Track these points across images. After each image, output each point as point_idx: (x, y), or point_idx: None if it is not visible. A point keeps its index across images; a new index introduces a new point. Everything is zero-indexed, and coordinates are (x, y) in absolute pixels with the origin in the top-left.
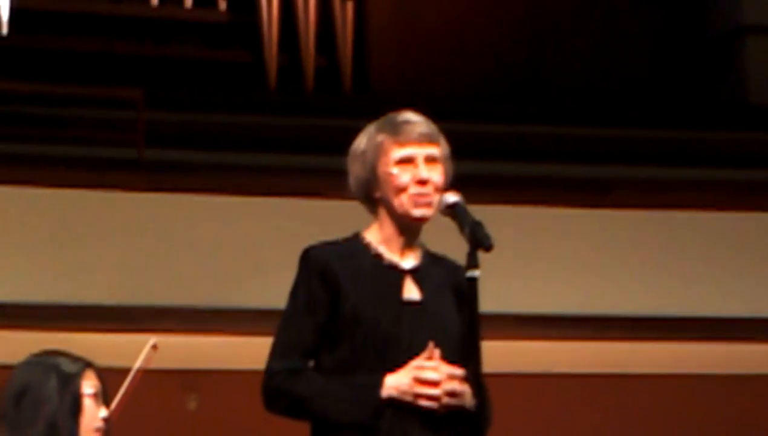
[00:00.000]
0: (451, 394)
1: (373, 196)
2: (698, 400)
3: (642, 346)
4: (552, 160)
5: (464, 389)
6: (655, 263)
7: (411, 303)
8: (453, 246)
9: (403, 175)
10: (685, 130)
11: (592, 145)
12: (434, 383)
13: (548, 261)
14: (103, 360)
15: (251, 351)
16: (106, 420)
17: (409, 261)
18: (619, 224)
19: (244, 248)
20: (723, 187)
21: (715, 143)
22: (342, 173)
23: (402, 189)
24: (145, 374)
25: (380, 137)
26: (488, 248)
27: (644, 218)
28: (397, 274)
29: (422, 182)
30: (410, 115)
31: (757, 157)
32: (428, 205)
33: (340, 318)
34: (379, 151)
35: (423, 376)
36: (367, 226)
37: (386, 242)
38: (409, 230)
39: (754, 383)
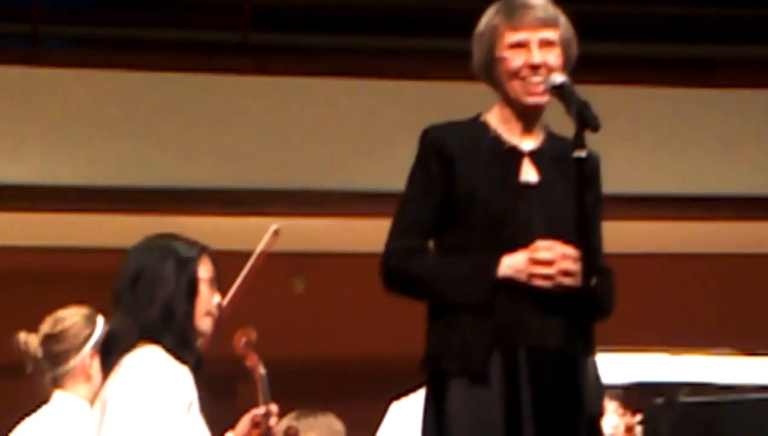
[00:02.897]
0: (566, 273)
1: (492, 77)
2: None
3: (749, 225)
4: (658, 40)
5: (579, 269)
6: (761, 143)
7: (528, 185)
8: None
9: (516, 59)
10: None
11: (697, 23)
12: (549, 263)
13: (653, 141)
14: (212, 243)
15: (358, 234)
16: (219, 306)
17: (529, 143)
18: (725, 104)
19: (350, 131)
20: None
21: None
22: (451, 55)
23: (515, 73)
24: (262, 257)
25: (496, 20)
26: (595, 127)
27: (751, 97)
28: (514, 155)
29: (534, 67)
30: None
31: None
32: (541, 93)
33: (456, 200)
34: (494, 34)
35: (537, 256)
36: (488, 109)
37: (506, 123)
38: (526, 112)
39: None
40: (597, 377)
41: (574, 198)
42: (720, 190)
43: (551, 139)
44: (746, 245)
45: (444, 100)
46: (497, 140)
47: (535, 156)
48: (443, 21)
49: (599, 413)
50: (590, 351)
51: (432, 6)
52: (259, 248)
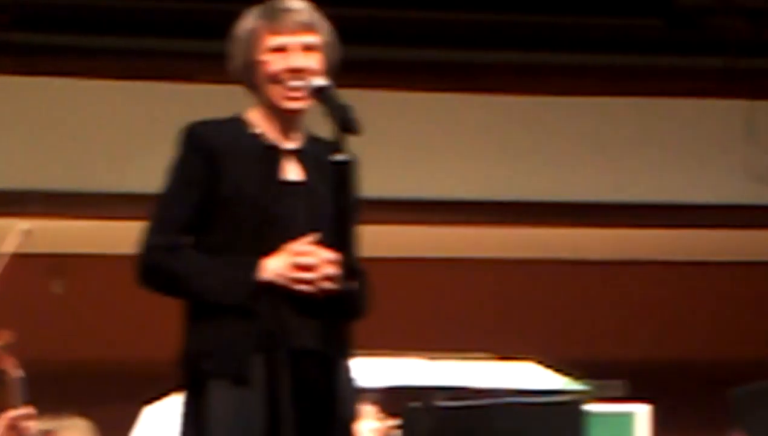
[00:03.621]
0: (329, 279)
1: (251, 79)
2: (546, 283)
3: (513, 231)
4: (425, 45)
5: (339, 272)
6: (523, 147)
7: (291, 184)
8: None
9: (276, 63)
10: (557, 15)
11: (461, 29)
12: (311, 268)
13: (418, 145)
14: None
15: (117, 235)
16: None
17: (291, 142)
18: (488, 109)
19: (107, 132)
20: (596, 72)
21: (586, 28)
22: (210, 57)
23: (274, 77)
24: (12, 258)
25: (256, 23)
26: (356, 131)
27: (513, 103)
28: (277, 154)
29: (295, 71)
30: (290, 2)
31: (631, 43)
32: (301, 97)
33: (219, 196)
34: (254, 37)
35: (299, 261)
36: (245, 110)
37: (268, 123)
38: (286, 116)
39: (623, 268)
40: (352, 380)
41: (333, 200)
42: (487, 196)
43: (312, 140)
44: (509, 250)
45: (203, 103)
46: (258, 139)
47: (296, 155)
48: (203, 23)
49: (354, 416)
50: (347, 354)
51: (191, 8)
52: (7, 248)
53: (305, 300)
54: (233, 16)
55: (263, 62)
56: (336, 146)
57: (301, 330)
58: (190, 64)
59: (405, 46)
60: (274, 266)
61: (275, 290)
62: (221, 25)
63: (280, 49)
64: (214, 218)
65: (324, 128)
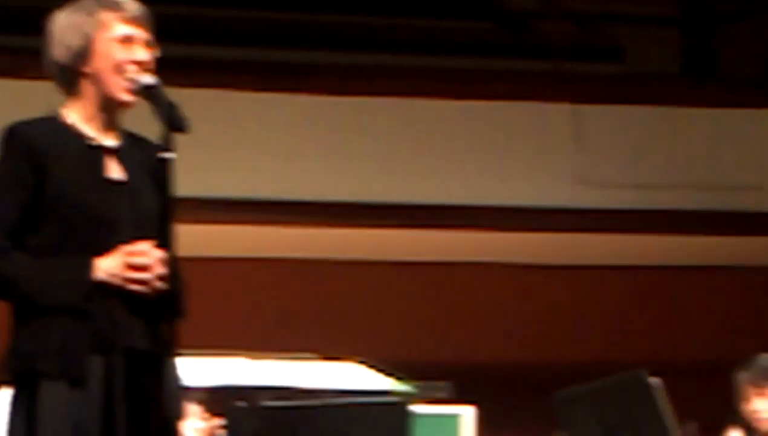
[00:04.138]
0: (161, 278)
1: (79, 70)
2: (371, 284)
3: (335, 231)
4: (246, 45)
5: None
6: (347, 148)
7: (115, 183)
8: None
9: (121, 54)
10: (388, 16)
11: (285, 29)
12: (145, 268)
13: (248, 146)
14: None
15: None
16: None
17: (110, 140)
18: (312, 110)
19: None
20: (426, 73)
21: (416, 29)
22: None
23: (118, 67)
24: None
25: (100, 11)
26: (184, 130)
27: (337, 103)
28: (100, 153)
29: (139, 64)
30: None
31: (462, 45)
32: (134, 92)
33: (45, 197)
34: (97, 25)
35: (134, 261)
36: (59, 106)
37: (88, 120)
38: (112, 109)
39: (448, 269)
40: (177, 379)
41: (157, 199)
42: (308, 196)
43: (131, 138)
44: (331, 251)
45: (21, 99)
46: (80, 137)
47: (118, 154)
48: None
49: (179, 415)
50: (172, 353)
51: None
52: None
53: (135, 300)
54: (44, 12)
55: (105, 52)
56: (157, 144)
57: (133, 330)
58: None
59: (226, 45)
60: (107, 266)
61: (108, 291)
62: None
63: (127, 40)
64: (41, 219)
65: (133, 126)
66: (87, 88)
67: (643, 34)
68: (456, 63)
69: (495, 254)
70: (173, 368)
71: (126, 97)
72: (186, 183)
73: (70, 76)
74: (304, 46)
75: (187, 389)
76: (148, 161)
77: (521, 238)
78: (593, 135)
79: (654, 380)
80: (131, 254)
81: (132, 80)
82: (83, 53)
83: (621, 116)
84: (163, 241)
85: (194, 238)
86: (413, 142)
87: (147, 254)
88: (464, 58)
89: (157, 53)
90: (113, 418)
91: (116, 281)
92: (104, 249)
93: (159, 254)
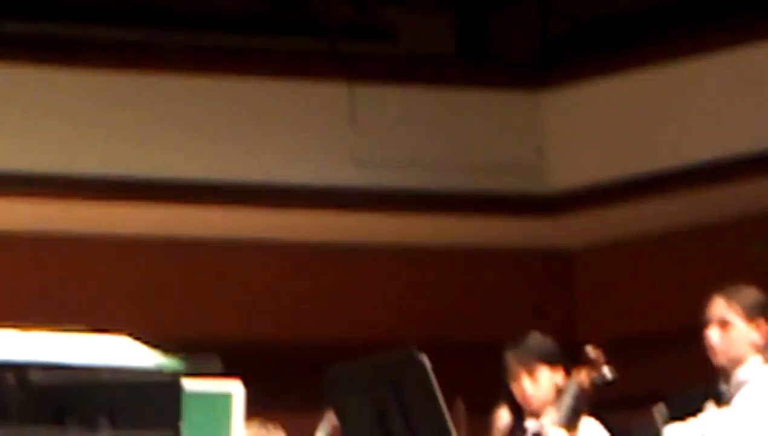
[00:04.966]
0: None
1: None
2: (143, 260)
3: (104, 207)
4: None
5: None
6: (117, 125)
7: None
8: None
9: None
10: None
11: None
12: None
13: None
14: None
15: None
16: None
17: None
18: (82, 86)
19: None
20: (200, 51)
21: (188, 5)
22: None
23: None
24: None
25: None
26: None
27: (107, 80)
28: None
29: None
30: None
31: (236, 22)
32: None
33: None
34: None
35: None
36: None
37: None
38: None
39: (215, 248)
40: None
41: None
42: (80, 171)
43: None
44: (93, 227)
45: None
46: None
47: None
48: None
49: None
50: None
51: None
52: None
53: None
54: None
55: None
56: None
57: None
58: None
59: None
60: None
61: None
62: None
63: None
64: None
65: None
66: None
67: (418, 14)
68: (229, 41)
69: (266, 232)
70: None
71: None
72: None
73: None
74: (77, 21)
75: None
76: None
77: (296, 216)
78: (369, 115)
79: (423, 358)
80: None
81: None
82: None
83: (396, 97)
84: None
85: None
86: (191, 121)
87: None
88: (238, 35)
89: None
90: None
91: None
92: None
93: None
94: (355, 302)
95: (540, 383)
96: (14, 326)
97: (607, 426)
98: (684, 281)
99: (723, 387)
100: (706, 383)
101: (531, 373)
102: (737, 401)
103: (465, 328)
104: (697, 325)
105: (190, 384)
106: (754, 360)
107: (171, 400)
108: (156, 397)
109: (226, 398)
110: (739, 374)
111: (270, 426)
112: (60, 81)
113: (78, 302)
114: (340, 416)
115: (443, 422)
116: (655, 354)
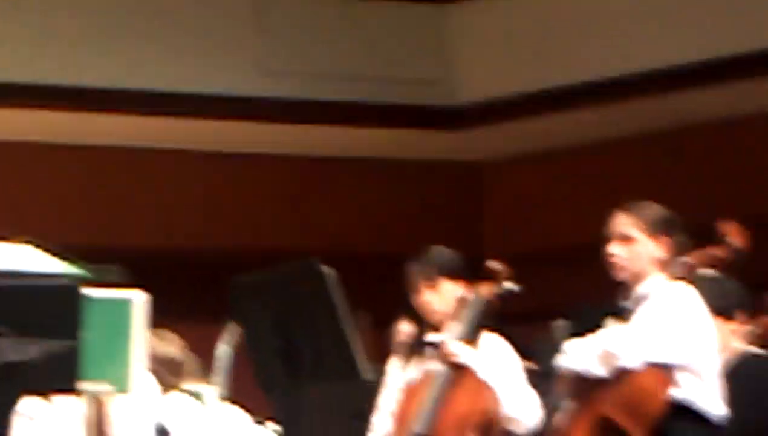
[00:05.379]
0: None
1: None
2: (47, 166)
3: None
4: None
5: None
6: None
7: None
8: None
9: None
10: None
11: None
12: None
13: None
14: None
15: None
16: None
17: None
18: None
19: None
20: None
21: None
22: None
23: None
24: None
25: None
26: None
27: None
28: None
29: None
30: None
31: None
32: None
33: None
34: None
35: None
36: None
37: None
38: None
39: (125, 154)
40: None
41: None
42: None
43: None
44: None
45: None
46: None
47: None
48: None
49: None
50: None
51: None
52: None
53: None
54: None
55: None
56: None
57: None
58: None
59: None
60: None
61: None
62: None
63: None
64: None
65: None
66: None
67: None
68: None
69: (173, 141)
70: None
71: None
72: None
73: None
74: None
75: None
76: None
77: (203, 125)
78: (275, 25)
79: (327, 269)
80: None
81: None
82: None
83: (302, 5)
84: None
85: None
86: (91, 29)
87: None
88: None
89: None
90: None
91: None
92: None
93: None
94: (261, 212)
95: (442, 296)
96: None
97: (509, 340)
98: (591, 196)
99: (623, 302)
100: (608, 299)
101: (433, 286)
102: (636, 315)
103: (372, 240)
104: (602, 241)
105: (92, 292)
106: (657, 276)
107: (72, 306)
108: (57, 303)
109: (126, 304)
110: (639, 289)
111: (167, 335)
112: None
113: None
114: (244, 326)
115: (344, 333)
116: (558, 270)
